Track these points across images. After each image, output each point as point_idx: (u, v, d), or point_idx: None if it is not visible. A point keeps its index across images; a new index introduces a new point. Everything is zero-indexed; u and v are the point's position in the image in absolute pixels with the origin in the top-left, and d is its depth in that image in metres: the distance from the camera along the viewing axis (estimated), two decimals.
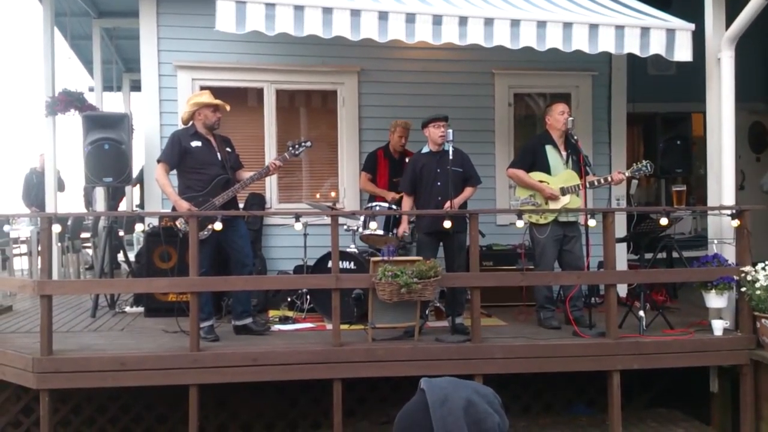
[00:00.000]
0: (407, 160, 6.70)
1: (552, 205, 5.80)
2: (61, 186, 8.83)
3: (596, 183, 5.84)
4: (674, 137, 7.70)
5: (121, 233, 8.13)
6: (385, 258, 5.12)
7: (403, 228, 5.89)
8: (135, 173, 8.06)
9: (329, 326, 5.44)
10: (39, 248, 6.45)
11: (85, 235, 10.37)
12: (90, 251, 10.25)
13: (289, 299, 6.60)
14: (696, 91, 6.05)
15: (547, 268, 5.80)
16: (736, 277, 5.30)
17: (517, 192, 6.03)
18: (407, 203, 5.93)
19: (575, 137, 5.80)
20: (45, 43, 8.01)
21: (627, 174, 5.86)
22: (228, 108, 5.65)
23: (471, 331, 5.21)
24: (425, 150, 5.91)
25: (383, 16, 5.08)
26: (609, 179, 5.85)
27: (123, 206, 10.31)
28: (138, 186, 9.69)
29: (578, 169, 5.79)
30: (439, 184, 5.71)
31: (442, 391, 1.41)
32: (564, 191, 5.80)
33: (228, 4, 4.92)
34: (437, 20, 5.15)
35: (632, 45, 5.39)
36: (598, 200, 7.41)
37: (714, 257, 5.49)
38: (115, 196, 9.04)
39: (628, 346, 5.20)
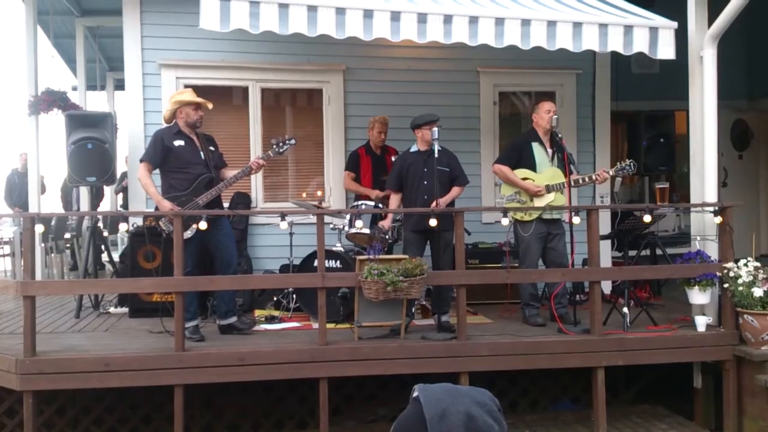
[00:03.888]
0: (390, 156, 6.74)
1: (537, 202, 5.82)
2: (41, 188, 8.74)
3: (581, 181, 5.87)
4: (657, 135, 7.76)
5: (105, 233, 8.08)
6: (372, 256, 5.12)
7: (387, 223, 5.91)
8: (118, 173, 8.01)
9: (315, 325, 5.43)
10: (22, 249, 6.39)
11: (68, 235, 10.29)
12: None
13: (275, 298, 6.59)
14: (679, 89, 6.10)
15: (531, 266, 5.82)
16: (718, 274, 5.35)
17: (503, 189, 6.05)
18: (394, 200, 5.94)
19: (560, 135, 5.83)
20: (28, 41, 7.93)
21: (611, 173, 5.89)
22: (210, 106, 5.60)
23: (457, 329, 5.22)
24: (413, 149, 5.93)
25: (368, 14, 5.08)
26: (594, 178, 5.88)
27: (102, 207, 10.23)
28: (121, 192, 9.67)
29: (563, 167, 5.81)
30: (426, 182, 5.72)
31: (439, 404, 1.34)
32: (549, 189, 5.82)
33: (212, 2, 4.89)
34: (422, 18, 5.15)
35: (616, 43, 5.42)
36: (583, 198, 7.46)
37: (697, 254, 5.54)
38: (97, 196, 8.98)
39: (613, 343, 5.24)
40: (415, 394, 1.38)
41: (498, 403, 1.39)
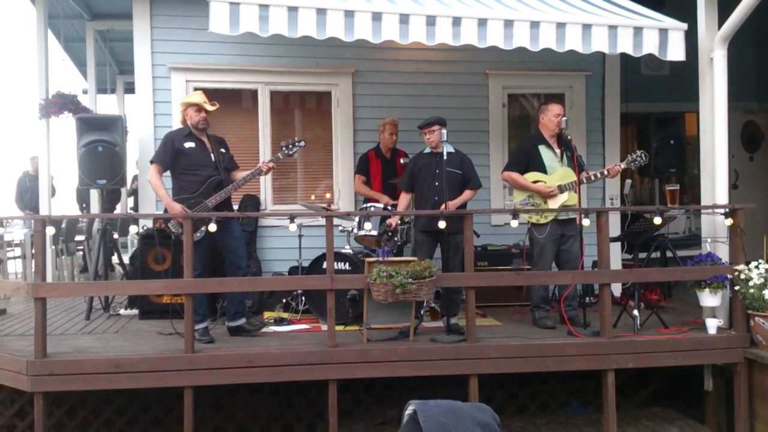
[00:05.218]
0: (399, 158, 6.74)
1: (551, 203, 5.79)
2: (52, 191, 8.80)
3: (593, 178, 5.84)
4: (668, 137, 7.72)
5: (116, 236, 8.11)
6: (380, 258, 5.12)
7: (394, 220, 5.92)
8: (129, 177, 8.05)
9: (324, 327, 5.43)
10: (33, 251, 6.43)
11: (79, 237, 10.34)
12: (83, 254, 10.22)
13: (284, 300, 6.60)
14: (689, 90, 6.07)
15: (545, 268, 5.80)
16: (729, 276, 5.32)
17: (515, 195, 6.02)
18: (404, 200, 5.95)
19: (569, 137, 5.81)
20: (38, 45, 7.99)
21: (623, 165, 5.84)
22: (210, 107, 5.50)
23: (466, 331, 5.21)
24: (426, 150, 5.95)
25: (377, 16, 5.09)
26: (606, 172, 5.86)
27: (118, 210, 10.30)
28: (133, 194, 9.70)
29: (573, 166, 5.79)
30: (437, 184, 5.72)
31: (441, 429, 1.28)
32: (562, 189, 5.78)
33: (221, 5, 4.92)
34: (431, 21, 5.15)
35: (625, 45, 5.41)
36: (592, 200, 7.44)
37: (707, 256, 5.51)
38: (111, 200, 9.02)
39: (623, 345, 5.21)
40: (410, 409, 1.30)
41: (498, 420, 1.35)
